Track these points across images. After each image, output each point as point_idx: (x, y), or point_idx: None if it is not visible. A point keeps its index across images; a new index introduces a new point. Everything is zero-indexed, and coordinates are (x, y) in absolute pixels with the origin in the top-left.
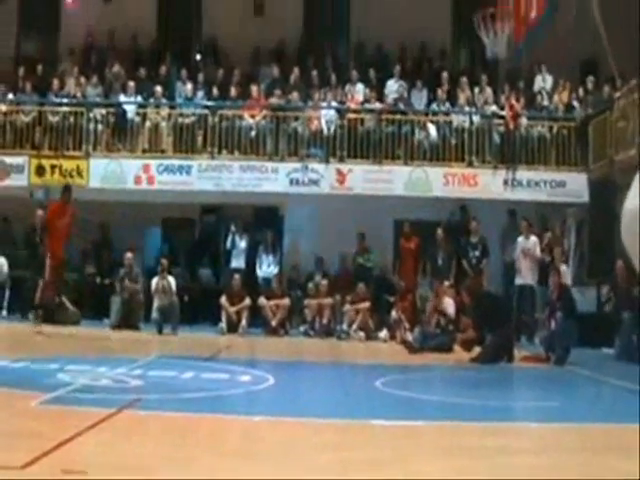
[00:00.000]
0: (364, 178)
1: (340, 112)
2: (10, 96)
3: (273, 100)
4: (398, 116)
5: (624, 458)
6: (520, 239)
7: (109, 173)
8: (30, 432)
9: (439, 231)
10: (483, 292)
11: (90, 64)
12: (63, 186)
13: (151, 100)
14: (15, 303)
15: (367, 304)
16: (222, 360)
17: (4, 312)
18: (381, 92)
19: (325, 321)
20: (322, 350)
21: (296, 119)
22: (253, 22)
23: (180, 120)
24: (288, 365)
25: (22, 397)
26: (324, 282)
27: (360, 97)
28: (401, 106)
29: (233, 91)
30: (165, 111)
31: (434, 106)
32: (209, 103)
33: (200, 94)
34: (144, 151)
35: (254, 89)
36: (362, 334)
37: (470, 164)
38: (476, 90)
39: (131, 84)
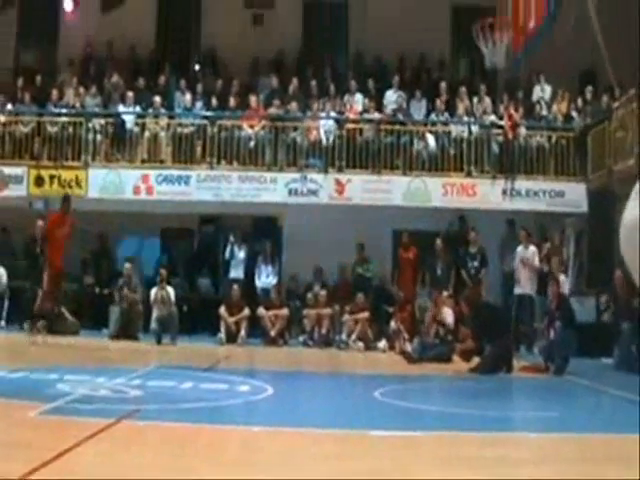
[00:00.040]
0: (363, 188)
1: (339, 122)
2: (9, 107)
3: (272, 110)
4: (397, 126)
5: (624, 468)
6: (519, 249)
7: (108, 183)
8: (29, 442)
9: (438, 241)
10: (482, 302)
11: (89, 74)
12: (62, 196)
13: (150, 110)
14: (14, 313)
15: (366, 314)
16: (221, 370)
17: (3, 322)
18: (380, 102)
19: (324, 331)
20: (321, 360)
21: (295, 129)
22: (252, 32)
23: (179, 130)
24: (287, 375)
25: (21, 407)
26: (323, 292)
27: (359, 107)
28: (400, 116)
29: (232, 101)
30: (164, 121)
31: (433, 116)
32: (208, 113)
33: (199, 104)
34: (143, 161)
35: (253, 99)
36: (361, 344)
37: (469, 174)
38: (475, 100)
39: (130, 94)
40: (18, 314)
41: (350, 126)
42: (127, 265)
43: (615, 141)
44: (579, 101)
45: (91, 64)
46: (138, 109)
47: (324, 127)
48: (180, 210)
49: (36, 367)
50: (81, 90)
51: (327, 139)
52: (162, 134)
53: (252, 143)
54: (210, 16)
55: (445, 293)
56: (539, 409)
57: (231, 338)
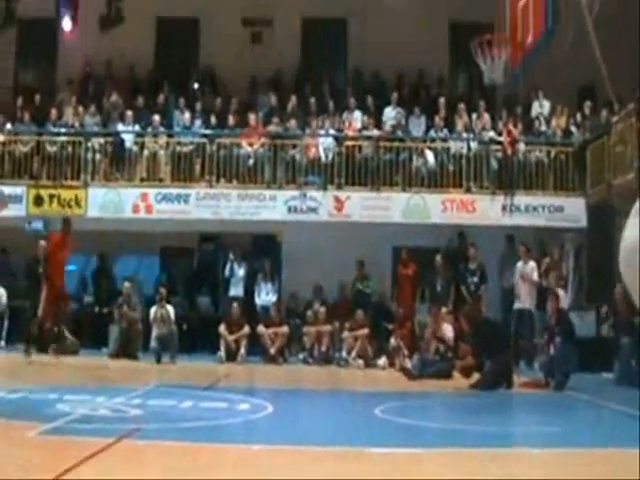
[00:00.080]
0: (362, 205)
1: (338, 139)
2: (8, 126)
3: (271, 128)
4: (396, 143)
5: None
6: (519, 264)
7: (107, 202)
8: (29, 463)
9: (438, 257)
10: (482, 319)
11: (88, 94)
12: (63, 218)
13: (149, 129)
14: (14, 333)
15: (366, 331)
16: (221, 389)
17: (2, 342)
18: (379, 119)
19: (324, 348)
20: (321, 378)
21: (294, 147)
22: (250, 50)
23: (178, 149)
24: (287, 393)
25: (21, 427)
26: (322, 309)
27: (358, 124)
28: (399, 133)
29: (231, 119)
30: (163, 140)
31: (432, 133)
32: (207, 132)
33: (198, 123)
34: (142, 180)
35: (252, 117)
36: (361, 361)
37: (468, 190)
38: (474, 116)
39: (129, 113)
40: (18, 334)
41: (349, 143)
42: (127, 284)
43: (614, 156)
44: (578, 116)
45: (90, 83)
46: (137, 128)
47: (323, 144)
48: (179, 228)
49: (36, 387)
50: (80, 109)
51: (326, 156)
52: (161, 153)
53: (251, 161)
54: (209, 34)
55: (444, 309)
56: (540, 425)
57: (231, 356)
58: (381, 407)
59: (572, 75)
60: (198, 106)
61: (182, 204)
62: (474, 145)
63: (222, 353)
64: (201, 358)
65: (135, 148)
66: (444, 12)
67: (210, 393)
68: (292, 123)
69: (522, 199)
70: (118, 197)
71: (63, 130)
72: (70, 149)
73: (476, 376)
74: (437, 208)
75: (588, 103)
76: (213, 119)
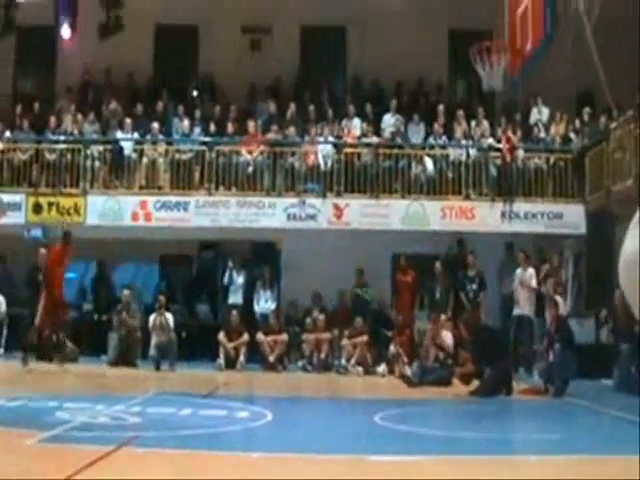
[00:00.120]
0: (361, 212)
1: (337, 147)
2: (7, 134)
3: (270, 136)
4: (395, 150)
5: None
6: (518, 271)
7: (106, 210)
8: (28, 471)
9: (437, 264)
10: (481, 326)
11: (87, 101)
12: (63, 231)
13: (148, 137)
14: (13, 341)
15: (365, 338)
16: (220, 396)
17: (1, 350)
18: (378, 126)
19: (323, 356)
20: (320, 385)
21: (293, 154)
22: (249, 58)
23: (177, 156)
24: (286, 401)
25: (20, 435)
26: (322, 317)
27: (357, 132)
28: (398, 140)
29: (230, 127)
30: (162, 147)
31: (431, 140)
32: (206, 139)
33: (197, 130)
34: (141, 188)
35: (251, 125)
36: (360, 369)
37: (467, 197)
38: (473, 123)
39: (128, 121)
40: (17, 342)
41: (348, 150)
42: (126, 292)
43: (613, 162)
44: (577, 122)
45: (89, 91)
46: (136, 135)
47: (322, 152)
48: (179, 236)
49: (35, 395)
50: (79, 117)
51: (325, 164)
52: (160, 160)
53: (250, 168)
54: (208, 42)
55: (444, 316)
56: (540, 431)
57: (230, 364)
58: (381, 414)
59: (571, 81)
60: (197, 114)
61: (181, 212)
62: (473, 152)
63: (221, 361)
64: (200, 366)
65: (134, 156)
66: (443, 19)
67: (209, 401)
68: (291, 130)
69: (521, 206)
70: (117, 205)
71: (62, 138)
72: (69, 157)
73: (476, 383)
74: (436, 215)
75: (587, 110)
76: (212, 127)
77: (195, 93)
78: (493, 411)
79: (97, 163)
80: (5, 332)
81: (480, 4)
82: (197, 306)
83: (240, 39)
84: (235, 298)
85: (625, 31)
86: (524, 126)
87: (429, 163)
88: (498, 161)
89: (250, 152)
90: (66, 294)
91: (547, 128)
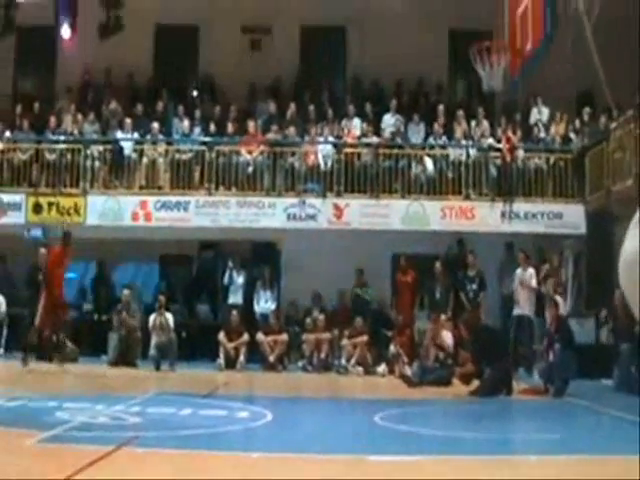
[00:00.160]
0: (361, 212)
1: (337, 147)
2: (7, 134)
3: (270, 136)
4: (395, 150)
5: None
6: (518, 271)
7: (106, 210)
8: (28, 471)
9: (437, 265)
10: (481, 326)
11: (87, 101)
12: (63, 232)
13: (148, 137)
14: (13, 341)
15: (365, 338)
16: (220, 396)
17: (1, 350)
18: (378, 126)
19: (323, 356)
20: (320, 385)
21: (293, 154)
22: (249, 58)
23: (177, 156)
24: (286, 401)
25: (20, 435)
26: (322, 317)
27: (357, 132)
28: (398, 140)
29: (230, 127)
30: (162, 147)
31: (431, 140)
32: (206, 139)
33: (197, 130)
34: (141, 188)
35: (251, 125)
36: (360, 369)
37: (467, 197)
38: (473, 123)
39: (128, 121)
40: (16, 342)
41: (348, 150)
42: (126, 292)
43: (613, 162)
44: (577, 122)
45: (89, 91)
46: (136, 135)
47: (322, 152)
48: (179, 236)
49: (35, 395)
50: (79, 117)
51: (325, 164)
52: (160, 160)
53: (250, 168)
54: (208, 42)
55: (444, 316)
56: (540, 431)
57: (230, 364)
58: (381, 414)
59: (571, 81)
60: (197, 114)
61: (181, 212)
62: (473, 152)
63: (221, 361)
64: (200, 366)
65: (134, 156)
66: (443, 19)
67: (209, 401)
68: (291, 130)
69: (521, 206)
70: (117, 205)
71: (62, 138)
72: (69, 157)
73: (476, 383)
74: (436, 215)
75: (587, 109)
76: (212, 127)
77: (195, 93)
78: (493, 411)
79: (97, 163)
80: (5, 332)
81: (480, 4)
82: (197, 306)
83: (240, 39)
84: (235, 298)
85: (625, 31)
86: (524, 126)
87: (429, 163)
88: (498, 161)
89: (250, 152)
90: (66, 294)
91: (547, 128)
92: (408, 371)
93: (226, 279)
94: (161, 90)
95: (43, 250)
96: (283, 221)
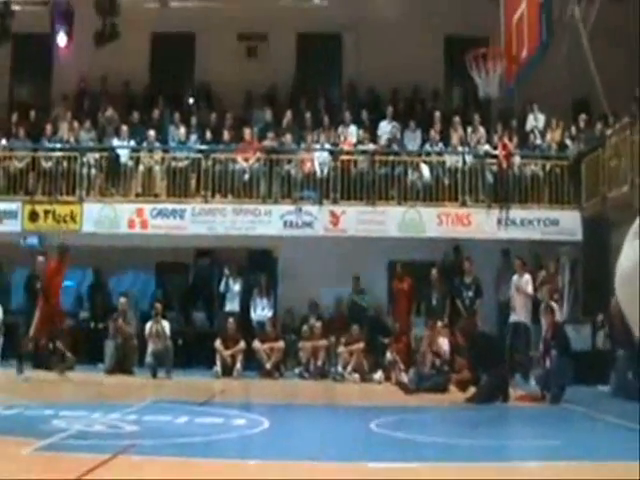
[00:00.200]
0: (358, 219)
1: (333, 154)
2: (3, 142)
3: (266, 143)
4: (391, 157)
5: None
6: (514, 278)
7: (103, 218)
8: None
9: (434, 271)
10: (477, 332)
11: (83, 109)
12: (59, 246)
13: (144, 144)
14: (9, 349)
15: (361, 345)
16: (217, 404)
17: None
18: (374, 133)
19: (320, 363)
20: (317, 392)
21: (289, 162)
22: (246, 65)
23: (173, 164)
24: (283, 408)
25: (16, 444)
26: (318, 324)
27: (353, 139)
28: (394, 147)
29: (226, 135)
30: (158, 155)
31: (427, 146)
32: (202, 147)
33: (193, 138)
34: (137, 195)
35: (247, 132)
36: (357, 376)
37: (463, 204)
38: (469, 130)
39: (124, 128)
40: (13, 350)
41: (344, 157)
42: (122, 299)
43: (609, 169)
44: (573, 129)
45: (85, 99)
46: (132, 143)
47: (318, 159)
48: (175, 244)
49: (31, 403)
50: (75, 125)
51: (321, 171)
52: (156, 168)
53: (246, 176)
54: (204, 50)
55: (440, 323)
56: (536, 438)
57: (227, 371)
58: (377, 421)
59: (567, 88)
60: (193, 121)
61: (177, 219)
62: (469, 159)
63: (218, 368)
64: (197, 373)
65: (130, 163)
66: (439, 26)
67: (206, 408)
68: (287, 138)
69: (517, 212)
70: (113, 212)
71: (58, 145)
72: (65, 164)
73: (472, 390)
74: (432, 222)
75: (583, 116)
76: (208, 134)
77: (191, 101)
78: (490, 418)
79: (93, 171)
80: (1, 340)
81: (476, 11)
82: (193, 314)
83: (236, 47)
84: (231, 306)
85: (621, 38)
86: (520, 133)
87: (425, 170)
88: (494, 168)
89: (246, 159)
90: (63, 302)
91: (543, 135)
92: (404, 378)
93: (222, 287)
94: (157, 97)
95: (41, 258)
96: (279, 228)
